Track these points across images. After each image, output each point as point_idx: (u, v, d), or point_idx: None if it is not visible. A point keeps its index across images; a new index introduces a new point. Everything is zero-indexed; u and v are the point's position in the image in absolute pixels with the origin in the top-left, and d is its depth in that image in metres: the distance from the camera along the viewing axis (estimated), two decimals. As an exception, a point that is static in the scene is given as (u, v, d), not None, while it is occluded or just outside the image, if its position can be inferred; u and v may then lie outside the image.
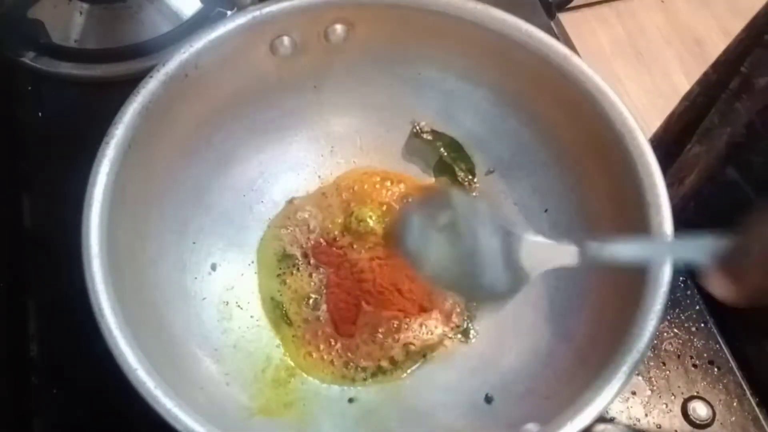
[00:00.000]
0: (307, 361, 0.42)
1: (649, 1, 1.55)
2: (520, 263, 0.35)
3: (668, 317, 0.44)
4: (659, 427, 0.41)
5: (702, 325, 0.44)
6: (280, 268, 0.44)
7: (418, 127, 0.46)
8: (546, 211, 0.44)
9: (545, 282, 0.43)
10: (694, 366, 0.43)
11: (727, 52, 0.62)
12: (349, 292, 0.43)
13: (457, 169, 0.46)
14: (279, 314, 0.43)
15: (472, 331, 0.43)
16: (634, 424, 0.41)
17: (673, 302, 0.44)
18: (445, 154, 0.46)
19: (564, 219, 0.43)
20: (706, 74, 0.65)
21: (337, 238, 0.45)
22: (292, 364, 0.42)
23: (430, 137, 0.46)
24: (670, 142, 0.65)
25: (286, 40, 0.41)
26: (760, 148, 0.51)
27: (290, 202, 0.46)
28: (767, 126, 0.50)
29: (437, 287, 0.43)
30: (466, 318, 0.43)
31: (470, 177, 0.46)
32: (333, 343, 0.42)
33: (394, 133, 0.47)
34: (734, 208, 0.53)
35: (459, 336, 0.43)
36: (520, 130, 0.44)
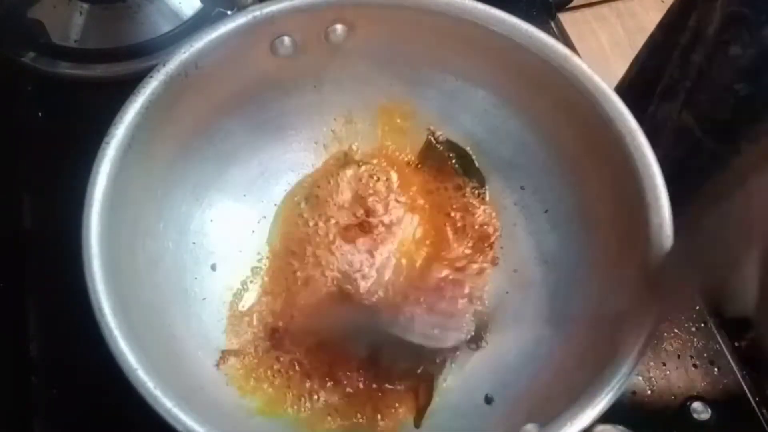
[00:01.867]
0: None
1: (649, 1, 1.55)
2: None
3: (668, 317, 0.44)
4: (659, 427, 0.41)
5: (702, 325, 0.44)
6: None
7: (433, 137, 0.46)
8: (546, 211, 0.44)
9: (546, 283, 0.43)
10: (694, 366, 0.43)
11: (671, 12, 0.64)
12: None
13: (468, 181, 0.46)
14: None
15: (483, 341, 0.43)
16: (635, 424, 0.41)
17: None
18: (457, 166, 0.46)
19: (564, 219, 0.43)
20: (652, 36, 0.67)
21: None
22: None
23: (441, 147, 0.46)
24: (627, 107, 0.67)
25: (286, 40, 0.41)
26: (706, 86, 0.53)
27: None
28: (712, 65, 0.52)
29: None
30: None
31: (482, 189, 0.46)
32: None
33: (395, 134, 0.47)
34: (690, 153, 0.56)
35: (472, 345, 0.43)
36: (520, 131, 0.44)
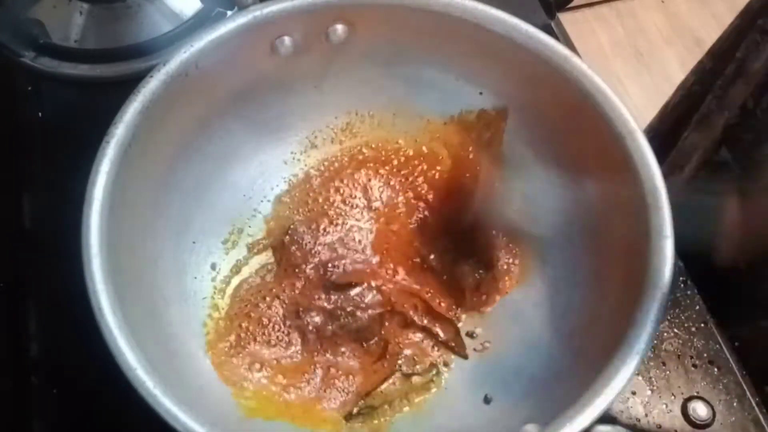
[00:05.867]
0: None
1: (649, 1, 1.55)
2: None
3: (668, 317, 0.44)
4: (659, 427, 0.41)
5: (702, 325, 0.44)
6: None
7: None
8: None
9: (546, 282, 0.43)
10: (694, 366, 0.43)
11: (722, 40, 0.63)
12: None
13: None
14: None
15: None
16: (634, 425, 0.41)
17: (673, 302, 0.44)
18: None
19: (564, 220, 0.43)
20: (701, 63, 0.66)
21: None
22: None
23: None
24: (666, 132, 0.66)
25: (286, 40, 0.41)
26: (750, 125, 0.52)
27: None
28: (758, 104, 0.51)
29: None
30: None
31: None
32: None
33: (395, 134, 0.47)
34: (725, 189, 0.55)
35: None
36: (519, 131, 0.44)
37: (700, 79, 0.65)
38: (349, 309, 0.43)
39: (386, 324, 0.43)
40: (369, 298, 0.44)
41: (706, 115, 0.58)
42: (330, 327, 0.43)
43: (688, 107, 0.64)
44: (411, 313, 0.43)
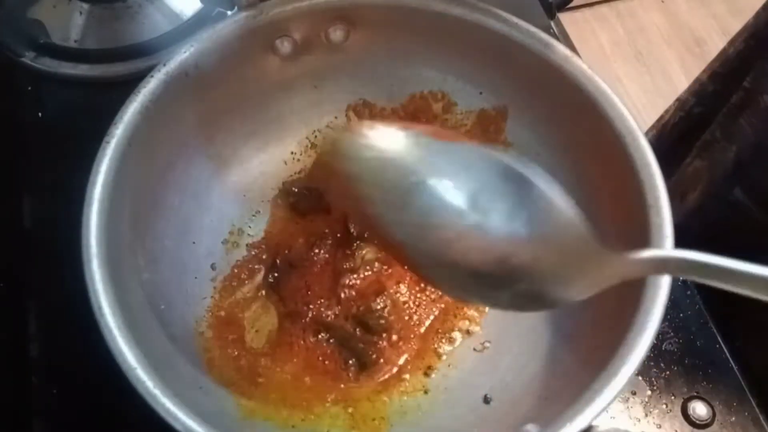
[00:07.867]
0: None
1: (649, 1, 1.55)
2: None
3: (668, 317, 0.44)
4: (659, 427, 0.41)
5: (702, 325, 0.44)
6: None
7: None
8: (546, 211, 0.44)
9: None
10: (694, 366, 0.43)
11: (726, 63, 0.59)
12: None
13: None
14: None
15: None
16: (634, 425, 0.41)
17: (673, 302, 0.44)
18: None
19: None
20: (701, 84, 0.63)
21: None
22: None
23: None
24: (664, 151, 0.63)
25: (286, 40, 0.41)
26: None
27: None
28: None
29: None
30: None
31: None
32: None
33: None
34: (741, 228, 0.52)
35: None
36: (519, 131, 0.44)
37: (701, 101, 0.62)
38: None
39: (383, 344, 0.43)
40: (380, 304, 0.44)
41: (710, 143, 0.56)
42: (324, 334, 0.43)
43: (689, 129, 0.61)
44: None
